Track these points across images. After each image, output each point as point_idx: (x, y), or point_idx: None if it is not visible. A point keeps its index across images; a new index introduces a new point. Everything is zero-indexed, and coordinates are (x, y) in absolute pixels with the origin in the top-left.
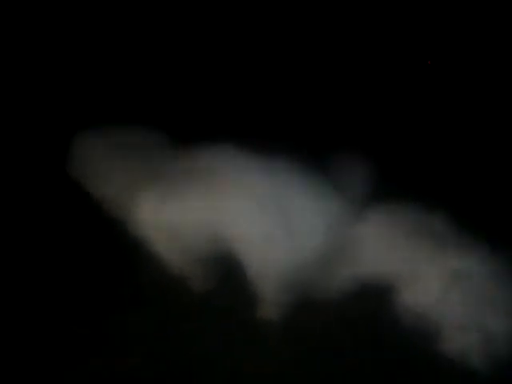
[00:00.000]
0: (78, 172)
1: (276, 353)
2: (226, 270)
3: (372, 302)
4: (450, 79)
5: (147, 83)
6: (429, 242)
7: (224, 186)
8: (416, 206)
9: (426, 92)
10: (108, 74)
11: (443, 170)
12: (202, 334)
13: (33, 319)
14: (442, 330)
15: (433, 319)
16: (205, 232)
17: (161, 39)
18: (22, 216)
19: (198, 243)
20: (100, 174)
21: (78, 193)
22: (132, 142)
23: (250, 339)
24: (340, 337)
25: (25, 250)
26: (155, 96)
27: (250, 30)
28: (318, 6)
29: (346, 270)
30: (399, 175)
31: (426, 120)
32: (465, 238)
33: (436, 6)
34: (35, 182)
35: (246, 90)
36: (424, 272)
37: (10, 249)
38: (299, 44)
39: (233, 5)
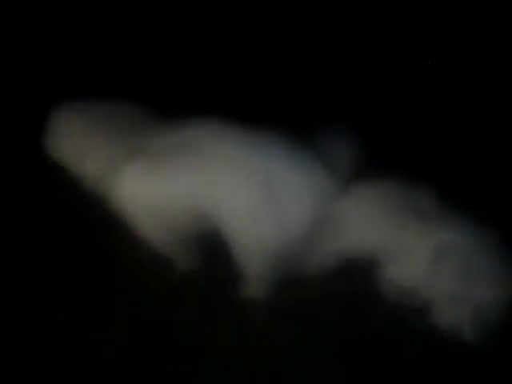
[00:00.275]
0: (54, 148)
1: (262, 331)
2: (211, 248)
3: (358, 278)
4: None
5: (127, 54)
6: (414, 217)
7: (209, 161)
8: (401, 180)
9: (415, 73)
10: (86, 43)
11: (428, 145)
12: (186, 314)
13: (13, 307)
14: (429, 303)
15: (420, 293)
16: (190, 208)
17: (142, 9)
18: None
19: (183, 220)
20: (78, 149)
21: (54, 169)
22: (112, 115)
23: (235, 318)
24: (326, 313)
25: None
26: (136, 67)
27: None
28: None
29: (332, 245)
30: (385, 150)
31: (412, 96)
32: (449, 212)
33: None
34: (7, 158)
35: (232, 62)
36: (409, 246)
37: None
38: (288, 21)
39: None
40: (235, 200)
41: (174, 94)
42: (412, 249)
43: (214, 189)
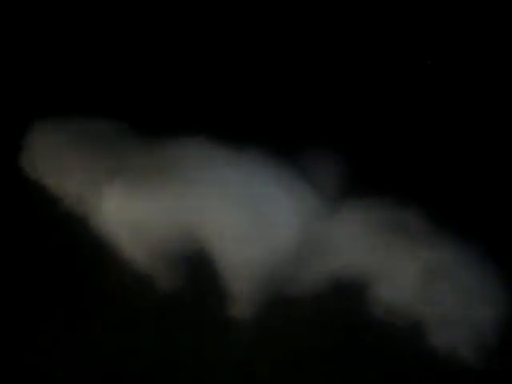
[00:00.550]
0: (32, 167)
1: (249, 352)
2: (197, 268)
3: (347, 298)
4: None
5: (107, 68)
6: (403, 238)
7: (194, 181)
8: (389, 200)
9: (402, 88)
10: (65, 57)
11: (415, 164)
12: (170, 335)
13: None
14: (423, 323)
15: (412, 314)
16: (174, 230)
17: (123, 21)
18: None
19: (167, 242)
20: (57, 168)
21: (32, 189)
22: (92, 132)
23: (221, 339)
24: (315, 336)
25: None
26: (117, 83)
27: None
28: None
29: (321, 267)
30: (372, 170)
31: (399, 115)
32: (438, 231)
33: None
34: None
35: (218, 80)
36: (399, 267)
37: None
38: (276, 37)
39: None
40: (221, 220)
41: (157, 111)
42: (402, 268)
43: (199, 208)
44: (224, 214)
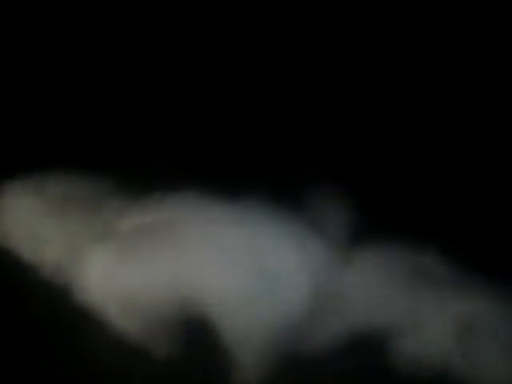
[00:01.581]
0: (3, 234)
1: None
2: (196, 336)
3: (369, 356)
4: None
5: (88, 118)
6: (425, 285)
7: (189, 241)
8: (404, 244)
9: (416, 118)
10: (42, 108)
11: (430, 203)
12: None
13: None
14: (459, 380)
15: (442, 371)
16: (169, 295)
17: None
18: None
19: (163, 309)
20: (33, 233)
21: (4, 259)
22: (72, 191)
23: None
24: None
25: None
26: (99, 136)
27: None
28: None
29: (337, 322)
30: (383, 211)
31: (411, 151)
32: (462, 276)
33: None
34: None
35: (205, 127)
36: (425, 318)
37: None
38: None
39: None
40: (222, 281)
41: (144, 165)
42: (428, 321)
43: (197, 270)
44: (225, 275)
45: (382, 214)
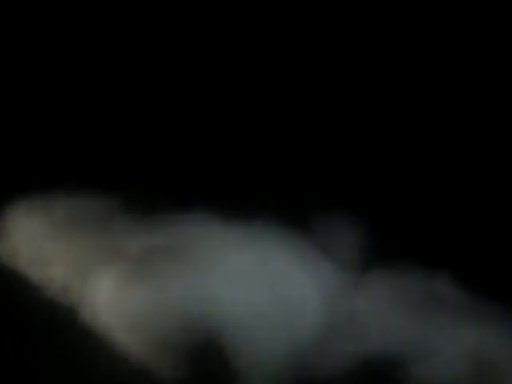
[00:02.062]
0: (9, 253)
1: None
2: (207, 359)
3: (382, 380)
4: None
5: (94, 137)
6: (436, 310)
7: (199, 264)
8: (414, 268)
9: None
10: (49, 129)
11: (442, 229)
12: None
13: None
14: None
15: None
16: (177, 318)
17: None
18: None
19: (169, 331)
20: (39, 253)
21: (10, 279)
22: (79, 211)
23: None
24: None
25: None
26: (106, 156)
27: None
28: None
29: (349, 346)
30: (395, 237)
31: (423, 177)
32: (474, 301)
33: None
34: None
35: (217, 147)
36: (436, 345)
37: None
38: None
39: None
40: (234, 305)
41: (152, 185)
42: (441, 348)
43: (207, 294)
44: (237, 299)
45: (392, 240)
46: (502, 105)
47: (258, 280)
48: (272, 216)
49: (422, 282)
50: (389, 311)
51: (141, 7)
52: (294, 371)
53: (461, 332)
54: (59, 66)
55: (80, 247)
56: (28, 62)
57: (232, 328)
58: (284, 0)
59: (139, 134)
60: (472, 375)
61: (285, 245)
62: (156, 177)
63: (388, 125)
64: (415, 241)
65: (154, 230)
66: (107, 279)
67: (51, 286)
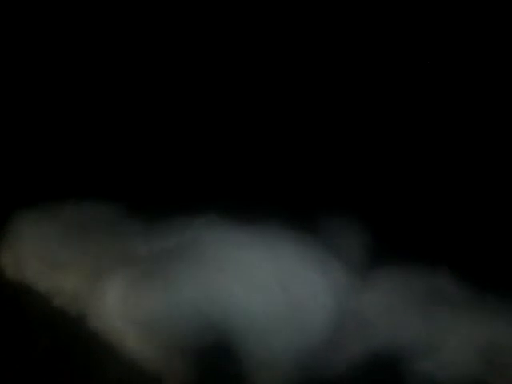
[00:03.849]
0: (17, 262)
1: None
2: (219, 361)
3: (386, 377)
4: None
5: (103, 145)
6: (439, 306)
7: (212, 265)
8: (418, 265)
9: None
10: (57, 138)
11: (441, 224)
12: None
13: None
14: None
15: None
16: (190, 321)
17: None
18: None
19: (181, 335)
20: (48, 261)
21: (18, 289)
22: (86, 218)
23: None
24: None
25: None
26: (117, 163)
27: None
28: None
29: (357, 343)
30: (398, 236)
31: (424, 178)
32: (475, 297)
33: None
34: None
35: (227, 152)
36: (441, 340)
37: None
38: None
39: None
40: (245, 306)
41: (159, 189)
42: (445, 342)
43: (219, 295)
44: (247, 300)
45: (396, 239)
46: (501, 105)
47: (270, 281)
48: (282, 218)
49: (424, 279)
50: (396, 309)
51: (141, 8)
52: (305, 370)
53: (462, 326)
54: (69, 78)
55: (90, 253)
56: (46, 75)
57: (244, 328)
58: (284, 0)
59: (149, 139)
60: (479, 368)
61: (294, 246)
62: (167, 180)
63: (389, 129)
64: (417, 240)
65: (165, 234)
66: (118, 284)
67: (61, 293)
